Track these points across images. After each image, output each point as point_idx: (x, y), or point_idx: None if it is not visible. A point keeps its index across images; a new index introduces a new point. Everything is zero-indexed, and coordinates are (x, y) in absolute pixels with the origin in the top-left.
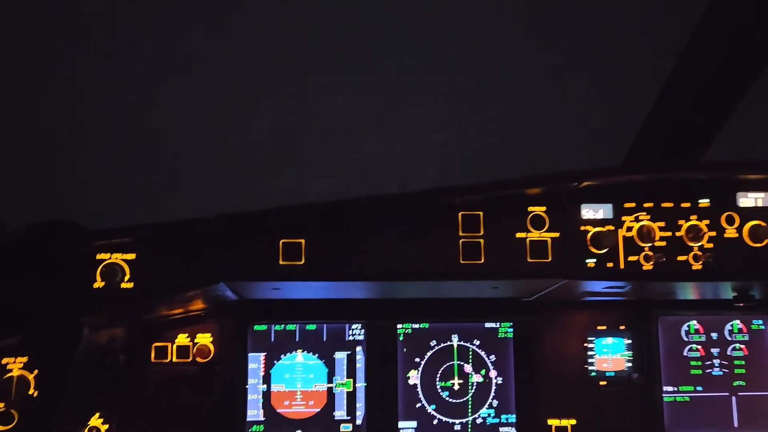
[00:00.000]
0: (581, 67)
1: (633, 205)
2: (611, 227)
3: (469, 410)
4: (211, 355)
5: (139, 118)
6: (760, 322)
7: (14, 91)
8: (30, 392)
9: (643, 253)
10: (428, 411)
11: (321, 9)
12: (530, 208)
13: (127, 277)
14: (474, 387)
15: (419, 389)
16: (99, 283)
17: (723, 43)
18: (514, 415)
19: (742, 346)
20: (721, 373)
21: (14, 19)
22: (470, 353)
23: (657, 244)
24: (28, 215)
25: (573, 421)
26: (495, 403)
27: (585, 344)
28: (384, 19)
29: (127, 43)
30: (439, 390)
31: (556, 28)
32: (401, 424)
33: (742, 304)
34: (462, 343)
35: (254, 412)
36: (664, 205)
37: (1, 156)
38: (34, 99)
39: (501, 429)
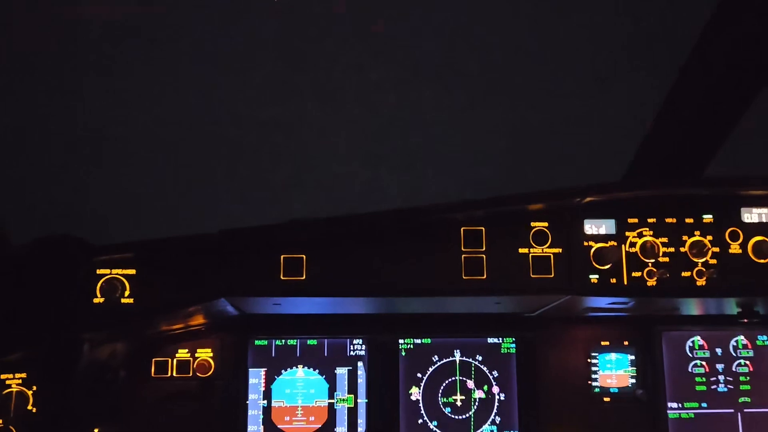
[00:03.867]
0: (582, 81)
1: (636, 220)
2: (614, 243)
3: (472, 427)
4: (212, 370)
5: (142, 134)
6: (765, 337)
7: (18, 105)
8: (29, 408)
9: (647, 269)
10: (430, 427)
11: (328, 21)
12: (533, 224)
13: (127, 293)
14: (476, 403)
15: (421, 405)
16: (99, 299)
17: (725, 57)
18: (516, 431)
19: (748, 362)
20: (726, 389)
21: (22, 28)
22: (473, 369)
23: (661, 259)
24: (30, 230)
25: None
26: (498, 419)
27: (588, 360)
28: (389, 27)
29: (132, 57)
30: (442, 406)
31: (557, 41)
32: None
33: (746, 320)
34: (464, 358)
35: (254, 428)
36: (668, 220)
37: (3, 170)
38: (38, 113)
39: None
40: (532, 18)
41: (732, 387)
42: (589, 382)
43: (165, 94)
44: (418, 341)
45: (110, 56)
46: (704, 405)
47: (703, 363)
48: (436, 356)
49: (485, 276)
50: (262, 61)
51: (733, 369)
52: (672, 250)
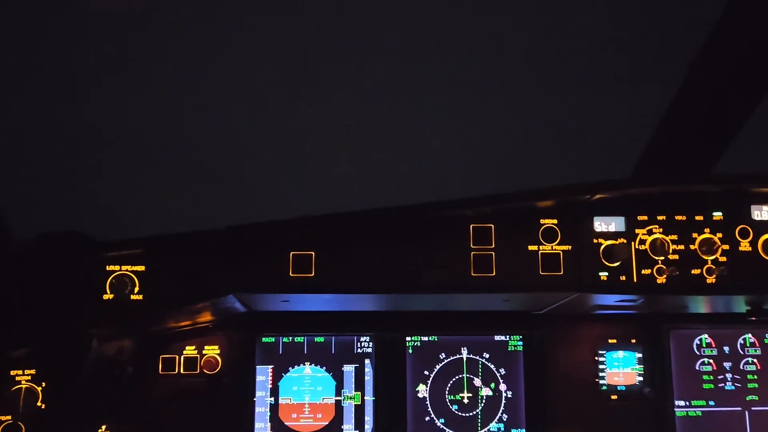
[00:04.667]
0: (591, 77)
1: (646, 218)
2: (624, 240)
3: (479, 424)
4: (219, 367)
5: (151, 130)
6: None
7: (25, 101)
8: (38, 404)
9: (657, 267)
10: (437, 425)
11: (322, 15)
12: (542, 221)
13: (136, 289)
14: (483, 401)
15: (428, 403)
16: (108, 295)
17: (734, 54)
18: (524, 430)
19: (755, 360)
20: (733, 387)
21: (27, 24)
22: (480, 366)
23: (670, 257)
24: (38, 225)
25: None
26: (505, 417)
27: (596, 358)
28: (389, 23)
29: (138, 56)
30: (449, 403)
31: (564, 36)
32: None
33: (755, 318)
34: (471, 356)
35: (262, 425)
36: (677, 218)
37: (11, 166)
38: (45, 108)
39: None
40: (536, 16)
41: (739, 385)
42: (597, 380)
43: (171, 92)
44: (426, 339)
45: (119, 53)
46: (712, 403)
47: (711, 361)
48: (443, 354)
49: (494, 273)
50: (263, 62)
51: (741, 367)
52: (682, 247)
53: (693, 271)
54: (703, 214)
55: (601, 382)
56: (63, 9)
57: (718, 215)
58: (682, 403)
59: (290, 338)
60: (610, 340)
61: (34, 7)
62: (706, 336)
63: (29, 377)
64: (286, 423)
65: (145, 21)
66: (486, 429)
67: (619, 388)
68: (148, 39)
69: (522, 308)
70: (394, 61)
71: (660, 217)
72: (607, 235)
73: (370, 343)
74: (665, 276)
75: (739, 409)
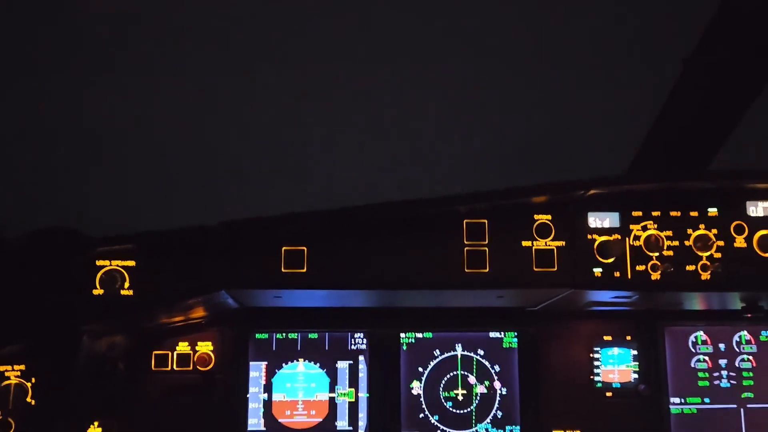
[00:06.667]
0: (587, 74)
1: (640, 213)
2: (618, 236)
3: (473, 421)
4: (212, 364)
5: (141, 125)
6: None
7: (18, 97)
8: (28, 400)
9: (651, 263)
10: (431, 422)
11: (323, 12)
12: (536, 217)
13: (126, 285)
14: (478, 398)
15: (422, 399)
16: (98, 291)
17: (730, 51)
18: (518, 427)
19: (750, 358)
20: (728, 384)
21: (24, 26)
22: (474, 363)
23: (665, 253)
24: (29, 221)
25: None
26: (499, 414)
27: (591, 355)
28: (388, 23)
29: (130, 53)
30: (443, 400)
31: (562, 35)
32: None
33: (750, 315)
34: (466, 353)
35: (255, 421)
36: (672, 214)
37: (2, 161)
38: (38, 105)
39: None
40: (536, 10)
41: (735, 382)
42: (592, 377)
43: (166, 91)
44: (420, 335)
45: (113, 53)
46: (707, 400)
47: (706, 358)
48: (437, 350)
49: (488, 269)
50: (261, 62)
51: (736, 364)
52: (676, 243)
53: (688, 268)
54: (698, 210)
55: (596, 379)
56: (60, 10)
57: (713, 211)
58: (677, 400)
59: (284, 334)
60: (605, 337)
61: (32, 8)
62: (702, 333)
63: (19, 373)
64: (279, 420)
65: (143, 21)
66: (480, 426)
67: (614, 385)
68: (145, 39)
69: (516, 304)
70: (391, 59)
71: (655, 213)
72: (601, 231)
73: (364, 340)
74: (660, 272)
75: (735, 406)
